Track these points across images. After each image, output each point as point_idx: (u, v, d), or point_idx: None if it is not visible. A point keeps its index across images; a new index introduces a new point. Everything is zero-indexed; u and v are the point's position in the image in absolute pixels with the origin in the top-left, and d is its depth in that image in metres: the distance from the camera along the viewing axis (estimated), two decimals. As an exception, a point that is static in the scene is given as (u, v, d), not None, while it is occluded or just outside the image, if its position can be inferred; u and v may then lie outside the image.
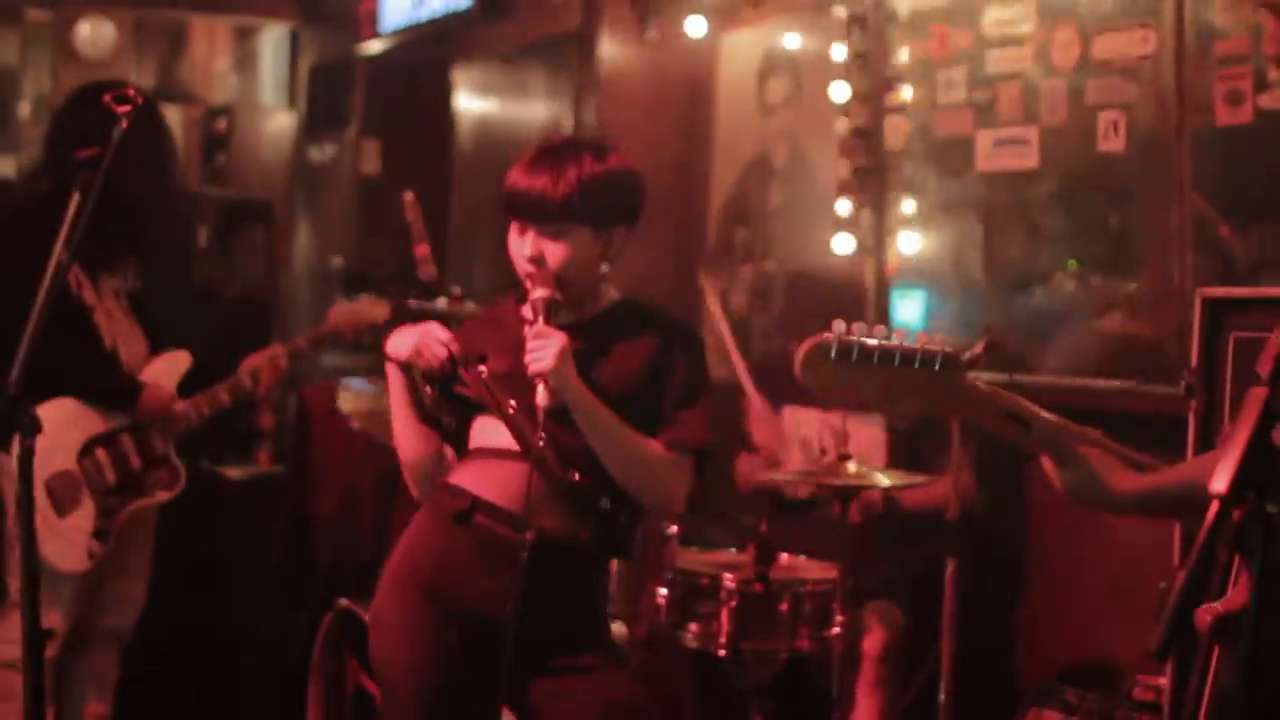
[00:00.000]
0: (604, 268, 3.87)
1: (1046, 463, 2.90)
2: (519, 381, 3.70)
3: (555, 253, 3.77)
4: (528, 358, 3.65)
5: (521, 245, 3.81)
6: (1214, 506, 2.15)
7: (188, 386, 5.47)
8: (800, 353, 2.83)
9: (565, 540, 3.72)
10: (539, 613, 3.64)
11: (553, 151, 3.85)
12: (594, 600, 3.91)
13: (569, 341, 3.65)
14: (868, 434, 5.59)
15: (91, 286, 5.28)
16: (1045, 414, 2.94)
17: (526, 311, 3.79)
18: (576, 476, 3.71)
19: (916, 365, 2.80)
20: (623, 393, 3.75)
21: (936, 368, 2.80)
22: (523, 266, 3.80)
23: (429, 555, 3.82)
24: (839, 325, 2.83)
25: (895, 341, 2.82)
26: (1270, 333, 2.41)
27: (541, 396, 3.62)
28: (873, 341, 2.81)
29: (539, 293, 3.74)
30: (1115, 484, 2.88)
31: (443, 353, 3.80)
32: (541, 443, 3.63)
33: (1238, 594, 2.68)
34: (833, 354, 2.80)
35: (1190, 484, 2.87)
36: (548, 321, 3.70)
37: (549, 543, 3.66)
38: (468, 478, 3.82)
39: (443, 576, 3.77)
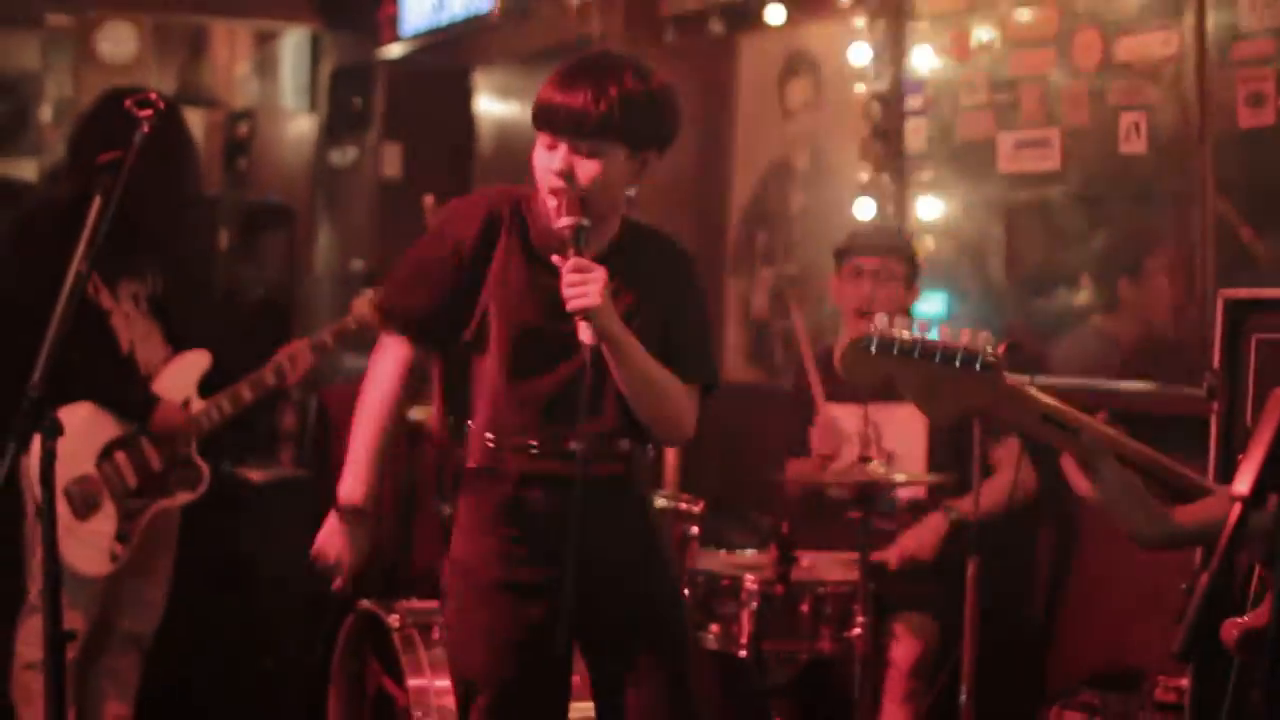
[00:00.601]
0: (630, 192, 3.73)
1: (1073, 469, 2.87)
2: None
3: (587, 170, 3.59)
4: (567, 291, 3.49)
5: (550, 160, 3.62)
6: (1236, 509, 2.14)
7: (208, 387, 5.47)
8: (841, 345, 2.82)
9: (603, 479, 3.66)
10: (597, 553, 3.61)
11: (593, 65, 3.67)
12: (649, 531, 3.84)
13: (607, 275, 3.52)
14: (908, 430, 5.59)
15: (109, 290, 5.29)
16: (1087, 419, 2.91)
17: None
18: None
19: (957, 364, 2.78)
20: (642, 325, 3.64)
21: (978, 367, 2.78)
22: (550, 181, 3.61)
23: (484, 550, 3.74)
24: (881, 319, 2.81)
25: (937, 338, 2.80)
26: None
27: (586, 333, 3.49)
28: (913, 337, 2.78)
29: (566, 220, 3.55)
30: (1148, 518, 2.84)
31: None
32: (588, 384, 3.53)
33: (1265, 609, 2.66)
34: (874, 348, 2.78)
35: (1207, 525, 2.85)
36: (579, 252, 3.55)
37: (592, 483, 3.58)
38: (510, 427, 3.72)
39: (505, 568, 3.71)
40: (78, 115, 6.31)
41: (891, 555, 5.33)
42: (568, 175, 3.58)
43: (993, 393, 2.81)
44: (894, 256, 5.63)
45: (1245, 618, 2.70)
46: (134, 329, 5.39)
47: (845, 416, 5.59)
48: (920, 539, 5.38)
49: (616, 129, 3.58)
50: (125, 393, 5.34)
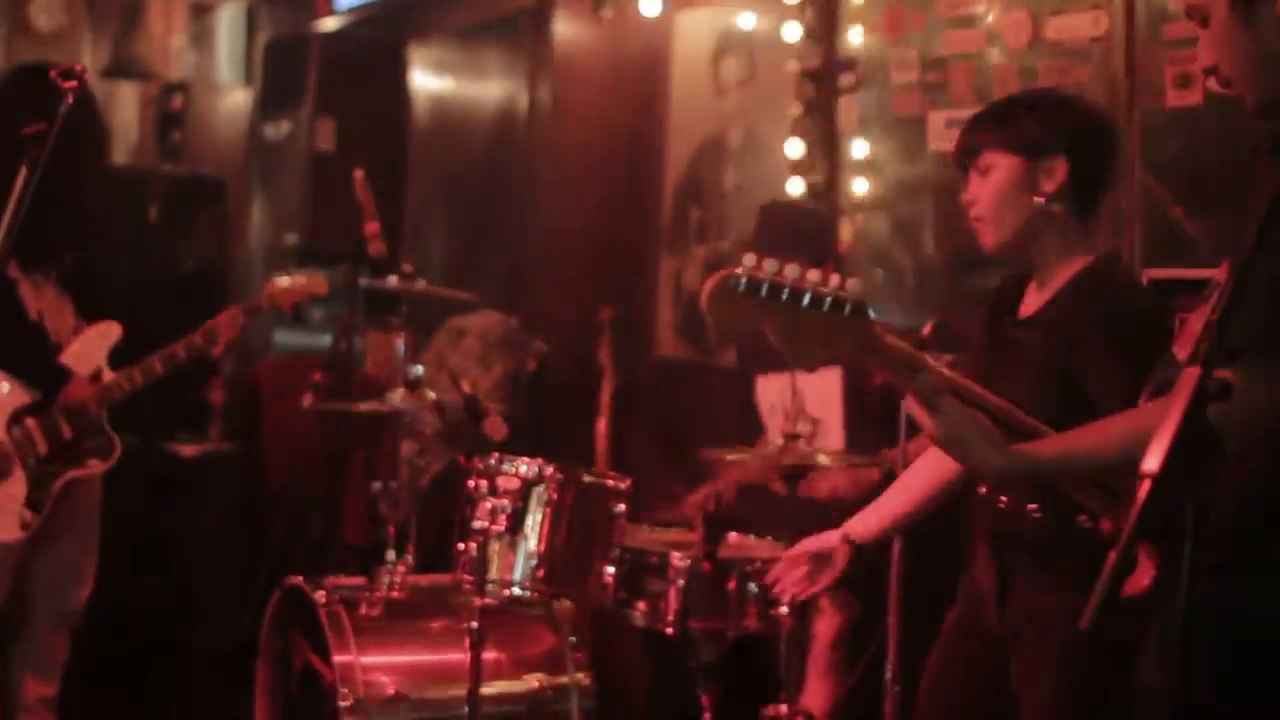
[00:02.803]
0: None
1: (920, 413, 2.87)
2: None
3: None
4: None
5: None
6: (1145, 485, 2.15)
7: (124, 357, 5.43)
8: (709, 285, 2.77)
9: None
10: None
11: None
12: None
13: None
14: (827, 394, 5.61)
15: (16, 262, 5.24)
16: (939, 367, 2.92)
17: None
18: None
19: (825, 309, 2.74)
20: None
21: (845, 313, 2.75)
22: None
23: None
24: (749, 259, 2.76)
25: (805, 281, 2.75)
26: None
27: None
28: (782, 278, 2.73)
29: None
30: (997, 448, 2.87)
31: None
32: None
33: (1137, 578, 2.67)
34: (741, 287, 2.73)
35: (1085, 456, 2.88)
36: None
37: None
38: None
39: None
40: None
41: (821, 488, 5.34)
42: None
43: (860, 340, 2.79)
44: (809, 243, 5.65)
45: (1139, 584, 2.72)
46: (43, 299, 5.34)
47: (772, 388, 5.62)
48: (852, 476, 5.39)
49: None
50: (32, 360, 5.29)
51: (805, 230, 5.82)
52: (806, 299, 2.73)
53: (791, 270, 2.74)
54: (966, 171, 3.78)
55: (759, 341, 5.51)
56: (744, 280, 2.73)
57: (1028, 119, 3.72)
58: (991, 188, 3.73)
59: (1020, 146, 3.70)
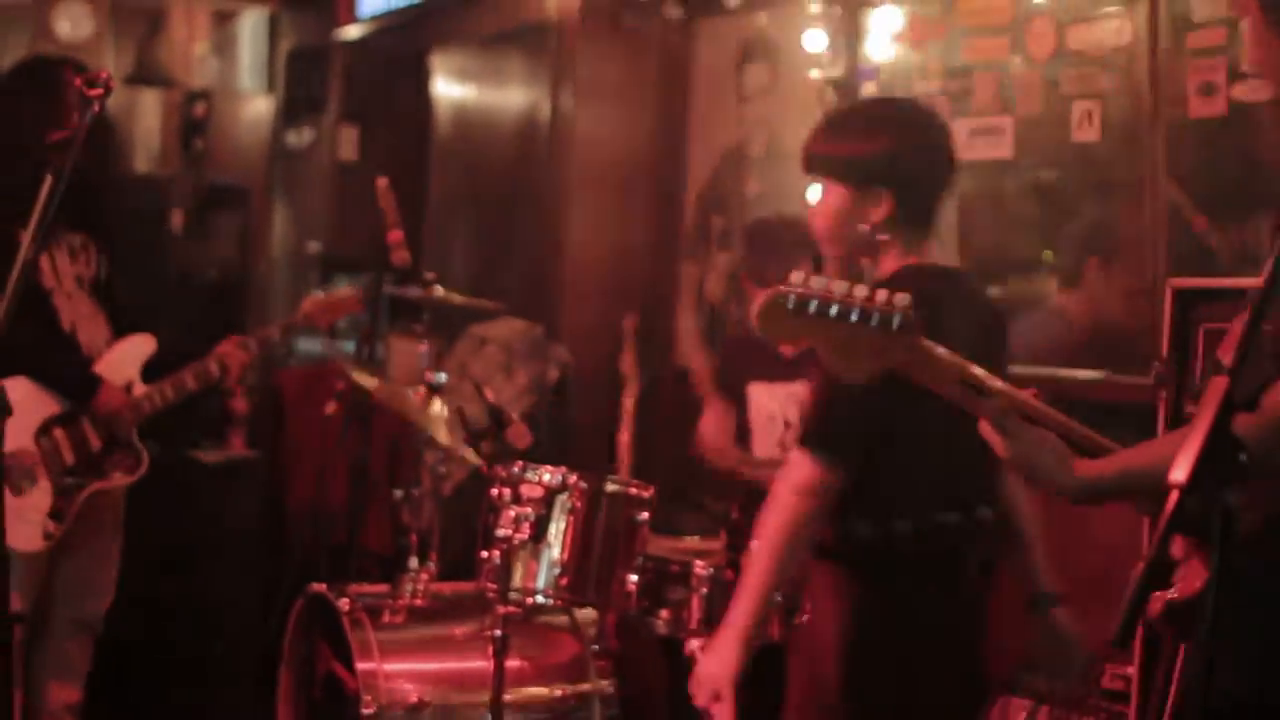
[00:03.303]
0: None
1: (991, 434, 2.87)
2: None
3: None
4: None
5: None
6: (1173, 496, 2.15)
7: (155, 370, 5.44)
8: (759, 302, 2.78)
9: None
10: None
11: None
12: None
13: None
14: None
15: (50, 269, 5.26)
16: (1002, 385, 2.92)
17: None
18: None
19: (874, 323, 2.75)
20: None
21: (894, 327, 2.76)
22: None
23: None
24: (798, 276, 2.77)
25: (853, 297, 2.76)
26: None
27: None
28: (831, 294, 2.74)
29: None
30: (1067, 469, 2.86)
31: None
32: None
33: (1189, 581, 2.67)
34: (790, 305, 2.74)
35: (1144, 471, 2.87)
36: None
37: None
38: None
39: None
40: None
41: None
42: None
43: (908, 353, 2.79)
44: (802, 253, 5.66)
45: (1172, 591, 2.72)
46: (76, 309, 5.35)
47: (770, 397, 5.62)
48: None
49: None
50: (66, 371, 5.30)
51: (803, 239, 5.83)
52: (854, 315, 2.74)
53: (839, 286, 2.75)
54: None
55: (745, 351, 5.54)
56: (793, 298, 2.75)
57: (853, 147, 3.82)
58: (824, 210, 3.86)
59: (846, 177, 3.80)
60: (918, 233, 3.84)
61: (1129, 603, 2.13)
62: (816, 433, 3.66)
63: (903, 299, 2.76)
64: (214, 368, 5.43)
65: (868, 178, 3.79)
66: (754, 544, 3.76)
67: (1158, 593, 2.64)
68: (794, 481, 3.67)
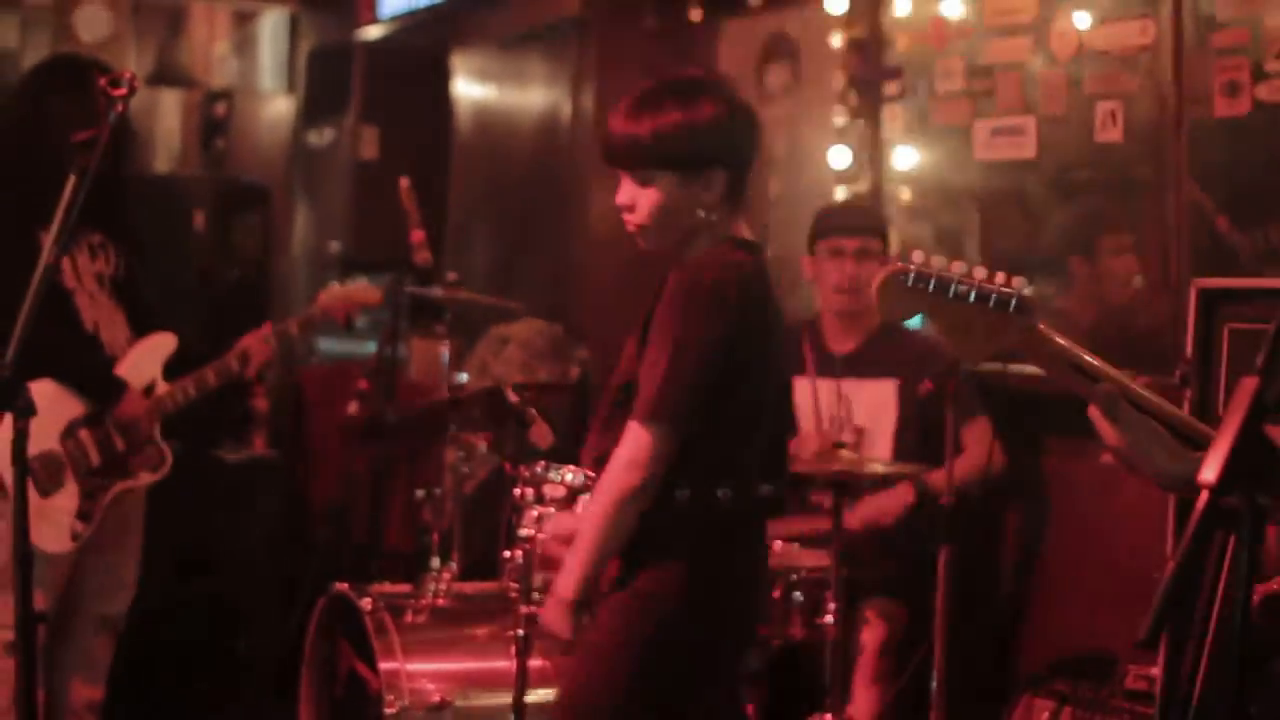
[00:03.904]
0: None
1: (1100, 420, 2.86)
2: None
3: None
4: None
5: None
6: (1203, 496, 2.14)
7: (176, 369, 5.44)
8: (879, 278, 2.80)
9: None
10: None
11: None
12: None
13: None
14: (879, 406, 5.61)
15: (71, 269, 5.26)
16: (1114, 372, 2.91)
17: None
18: None
19: (992, 304, 2.77)
20: None
21: (1011, 310, 2.77)
22: None
23: None
24: (919, 255, 2.80)
25: (972, 277, 2.78)
26: (1267, 324, 2.39)
27: None
28: (951, 274, 2.77)
29: None
30: (1173, 458, 2.85)
31: None
32: None
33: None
34: (910, 282, 2.77)
35: None
36: None
37: None
38: None
39: None
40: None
41: (854, 519, 5.33)
42: None
43: (1023, 335, 2.80)
44: (872, 235, 5.69)
45: (1275, 584, 2.71)
46: (98, 310, 5.35)
47: (820, 392, 5.62)
48: (883, 506, 5.41)
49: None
50: (89, 372, 5.31)
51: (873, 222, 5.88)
52: (973, 294, 2.76)
53: (959, 266, 2.77)
54: (618, 169, 3.82)
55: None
56: (913, 275, 2.77)
57: (682, 134, 3.73)
58: (652, 201, 3.77)
59: (678, 165, 3.73)
60: (738, 207, 3.84)
61: (1159, 603, 2.12)
62: (658, 408, 3.65)
63: (1020, 281, 2.77)
64: (234, 363, 5.44)
65: (698, 156, 3.73)
66: (589, 510, 3.77)
67: (1260, 585, 2.63)
68: (632, 454, 3.66)
